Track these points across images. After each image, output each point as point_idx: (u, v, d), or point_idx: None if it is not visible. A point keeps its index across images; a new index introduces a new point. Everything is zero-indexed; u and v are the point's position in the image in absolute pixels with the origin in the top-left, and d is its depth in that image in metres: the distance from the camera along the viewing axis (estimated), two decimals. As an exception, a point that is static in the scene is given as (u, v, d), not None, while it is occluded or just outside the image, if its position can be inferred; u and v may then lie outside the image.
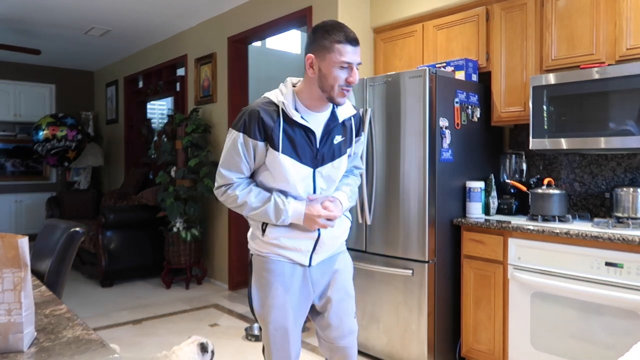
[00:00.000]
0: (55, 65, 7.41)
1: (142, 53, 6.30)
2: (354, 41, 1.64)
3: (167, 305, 4.28)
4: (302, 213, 1.72)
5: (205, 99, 5.05)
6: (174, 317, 3.96)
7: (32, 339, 1.12)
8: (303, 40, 7.61)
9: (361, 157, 2.04)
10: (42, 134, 6.45)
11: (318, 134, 1.73)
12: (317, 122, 1.73)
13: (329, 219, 1.74)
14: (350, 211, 1.96)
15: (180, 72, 5.80)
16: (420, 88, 2.74)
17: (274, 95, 1.72)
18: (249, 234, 1.89)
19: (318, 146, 1.73)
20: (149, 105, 7.03)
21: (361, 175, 2.08)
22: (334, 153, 1.76)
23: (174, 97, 6.15)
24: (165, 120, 6.04)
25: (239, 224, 4.78)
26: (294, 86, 1.76)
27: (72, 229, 2.06)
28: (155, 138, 6.31)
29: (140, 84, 6.75)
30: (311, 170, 1.73)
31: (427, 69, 2.72)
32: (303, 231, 1.76)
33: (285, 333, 1.79)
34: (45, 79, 7.40)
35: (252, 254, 1.87)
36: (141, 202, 5.34)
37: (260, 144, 1.67)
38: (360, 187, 2.78)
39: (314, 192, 1.77)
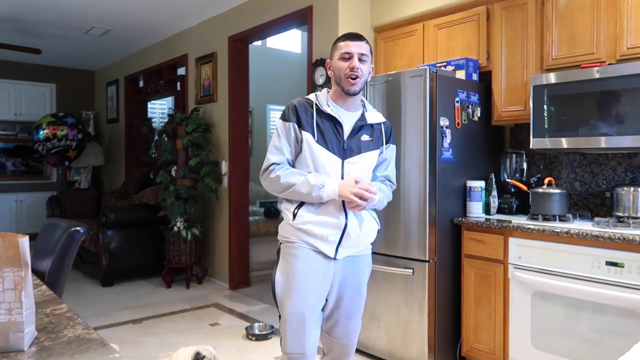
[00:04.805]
0: (56, 64, 7.42)
1: (143, 52, 6.30)
2: (354, 37, 1.94)
3: (168, 304, 4.28)
4: (336, 185, 1.83)
5: (205, 99, 5.05)
6: (175, 316, 3.96)
7: (32, 338, 1.12)
8: (304, 39, 7.61)
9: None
10: (42, 133, 6.45)
11: (346, 127, 1.93)
12: (346, 118, 1.95)
13: (361, 198, 1.81)
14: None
15: (181, 71, 5.80)
16: (421, 87, 2.74)
17: (311, 95, 2.01)
18: (280, 225, 1.99)
19: (345, 138, 1.91)
20: (149, 105, 7.02)
21: (393, 193, 2.12)
22: (361, 147, 1.93)
23: (174, 97, 6.15)
24: (166, 120, 6.04)
25: (239, 224, 4.78)
26: (328, 91, 2.03)
27: (72, 229, 2.05)
28: (156, 137, 6.31)
29: (141, 84, 6.75)
30: (340, 160, 1.89)
31: (428, 68, 2.72)
32: (331, 220, 1.86)
33: (303, 320, 1.85)
34: (45, 78, 7.41)
35: (280, 242, 1.96)
36: (142, 201, 5.33)
37: (295, 126, 1.90)
38: None
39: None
